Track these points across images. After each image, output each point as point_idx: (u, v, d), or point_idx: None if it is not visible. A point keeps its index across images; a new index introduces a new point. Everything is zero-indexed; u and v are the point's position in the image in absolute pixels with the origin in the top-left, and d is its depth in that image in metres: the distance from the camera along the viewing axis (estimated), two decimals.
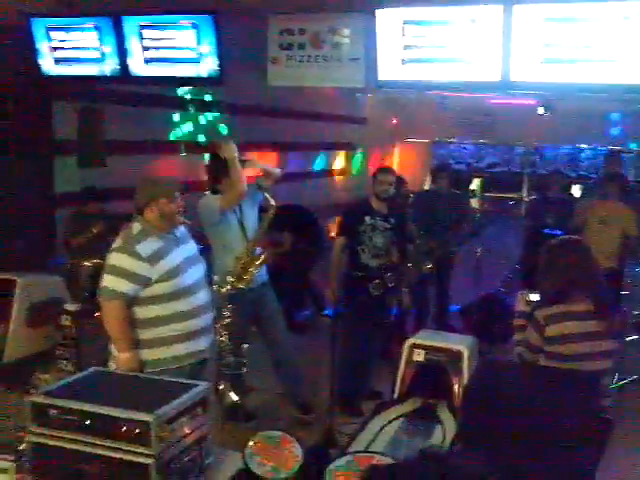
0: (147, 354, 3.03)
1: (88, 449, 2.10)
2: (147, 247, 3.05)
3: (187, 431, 2.17)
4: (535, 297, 3.05)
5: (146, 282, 3.02)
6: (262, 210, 4.38)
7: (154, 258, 3.05)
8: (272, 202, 4.25)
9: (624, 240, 5.55)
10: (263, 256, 4.19)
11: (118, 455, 2.06)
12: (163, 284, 3.05)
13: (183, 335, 3.10)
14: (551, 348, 2.84)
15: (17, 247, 6.12)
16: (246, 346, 3.99)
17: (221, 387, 3.50)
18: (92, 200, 6.17)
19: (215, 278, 3.94)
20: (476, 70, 3.96)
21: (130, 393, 2.32)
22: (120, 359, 2.97)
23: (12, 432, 2.39)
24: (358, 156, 13.06)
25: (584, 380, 2.56)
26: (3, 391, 2.79)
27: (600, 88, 3.92)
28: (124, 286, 2.99)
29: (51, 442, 2.15)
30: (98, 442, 2.09)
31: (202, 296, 3.24)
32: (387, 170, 4.74)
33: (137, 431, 2.03)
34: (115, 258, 3.05)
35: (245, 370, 4.11)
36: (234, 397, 4.30)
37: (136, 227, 3.13)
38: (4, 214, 6.18)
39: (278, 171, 4.47)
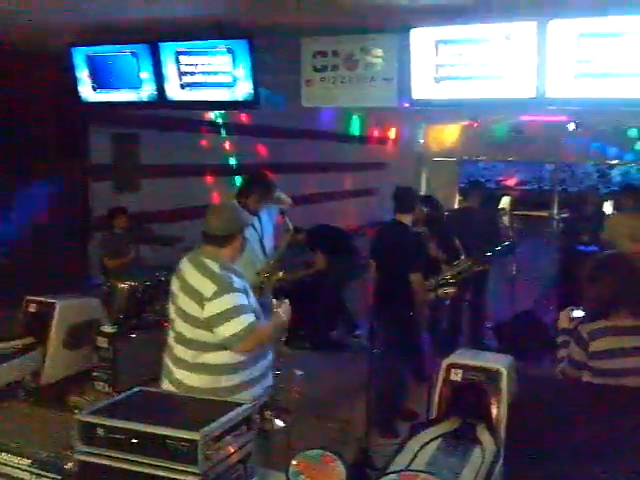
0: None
1: (135, 468, 2.11)
2: (237, 281, 2.94)
3: (232, 449, 2.17)
4: (579, 314, 3.02)
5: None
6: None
7: (246, 292, 2.98)
8: (290, 226, 4.50)
9: None
10: (281, 273, 4.27)
11: (165, 474, 2.07)
12: None
13: (258, 377, 3.05)
14: (595, 364, 2.80)
15: (54, 270, 6.23)
16: (299, 372, 4.02)
17: (266, 413, 3.46)
18: (119, 215, 6.26)
19: None
20: (510, 87, 3.96)
21: (176, 412, 2.33)
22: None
23: (54, 451, 2.41)
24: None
25: (634, 397, 2.51)
26: (42, 412, 2.82)
27: (635, 102, 3.90)
28: (251, 317, 2.88)
29: (98, 461, 2.17)
30: (145, 461, 2.10)
31: None
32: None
33: (184, 449, 2.04)
34: (223, 303, 2.84)
35: (297, 396, 4.14)
36: (280, 424, 4.33)
37: (213, 265, 2.93)
38: (42, 237, 6.31)
39: (289, 201, 4.74)
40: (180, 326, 2.97)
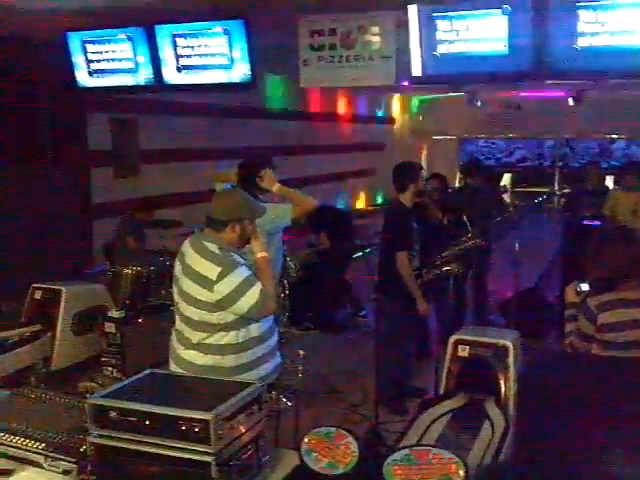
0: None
1: (149, 449, 2.13)
2: (237, 257, 2.97)
3: (244, 429, 2.19)
4: (585, 287, 3.02)
5: None
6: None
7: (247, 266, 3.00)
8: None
9: None
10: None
11: (178, 454, 2.09)
12: None
13: (265, 355, 3.07)
14: (603, 336, 2.81)
15: (58, 257, 6.25)
16: (301, 352, 4.04)
17: (272, 394, 3.50)
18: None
19: None
20: (510, 61, 3.94)
21: (187, 393, 2.35)
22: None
23: (68, 435, 2.43)
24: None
25: None
26: (53, 397, 2.83)
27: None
28: (258, 284, 2.92)
29: (112, 443, 2.18)
30: (158, 442, 2.11)
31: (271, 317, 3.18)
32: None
33: (197, 430, 2.05)
34: (231, 282, 2.86)
35: (300, 375, 4.15)
36: (288, 403, 4.36)
37: (212, 247, 2.95)
38: (43, 224, 6.31)
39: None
40: (185, 309, 3.00)
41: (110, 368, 4.81)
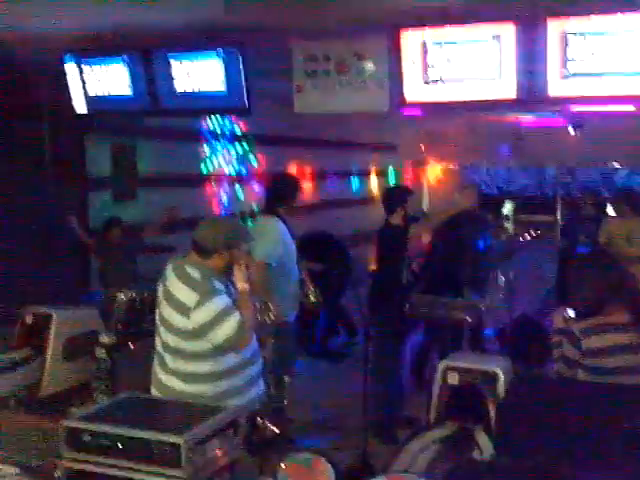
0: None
1: (121, 473, 2.10)
2: (218, 284, 2.93)
3: (218, 453, 2.15)
4: (573, 313, 2.99)
5: None
6: None
7: (228, 294, 2.95)
8: None
9: None
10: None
11: (150, 478, 2.05)
12: None
13: (252, 379, 3.05)
14: (589, 361, 2.77)
15: (53, 281, 6.23)
16: (287, 379, 3.98)
17: (260, 421, 3.44)
18: (115, 228, 6.34)
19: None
20: (502, 88, 3.94)
21: (162, 416, 2.32)
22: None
23: (46, 459, 2.39)
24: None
25: (627, 395, 2.48)
26: (38, 422, 2.80)
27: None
28: (238, 317, 2.85)
29: (84, 467, 2.16)
30: (131, 466, 2.08)
31: (255, 343, 3.13)
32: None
33: (168, 453, 2.02)
34: (208, 311, 2.82)
35: (286, 403, 4.09)
36: (275, 430, 4.29)
37: (195, 273, 2.90)
38: (41, 248, 6.31)
39: None
40: (165, 335, 2.96)
41: (100, 394, 4.76)
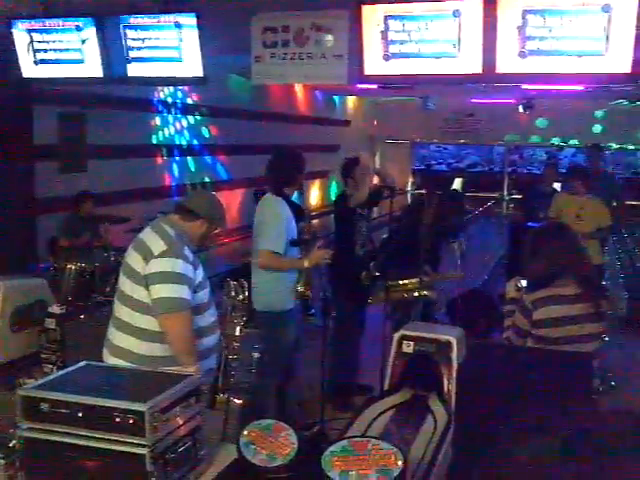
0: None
1: (81, 442, 2.07)
2: (188, 252, 2.91)
3: (181, 421, 2.15)
4: (525, 283, 3.09)
5: (194, 288, 2.88)
6: None
7: (194, 264, 2.92)
8: None
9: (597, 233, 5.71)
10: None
11: (112, 446, 2.03)
12: (195, 295, 2.92)
13: (204, 350, 3.01)
14: (538, 332, 2.87)
15: (1, 253, 6.06)
16: (256, 355, 3.99)
17: (220, 395, 3.45)
18: (87, 202, 6.23)
19: None
20: (460, 63, 3.98)
21: (123, 384, 2.29)
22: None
23: (2, 430, 2.35)
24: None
25: (575, 361, 2.58)
26: None
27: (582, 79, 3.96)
28: (187, 292, 2.82)
29: (42, 436, 2.12)
30: (91, 434, 2.06)
31: (214, 313, 3.14)
32: None
33: (131, 421, 2.01)
34: (167, 264, 2.80)
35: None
36: (237, 401, 4.30)
37: (170, 231, 2.93)
38: None
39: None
40: (123, 283, 2.96)
41: (50, 365, 4.68)
